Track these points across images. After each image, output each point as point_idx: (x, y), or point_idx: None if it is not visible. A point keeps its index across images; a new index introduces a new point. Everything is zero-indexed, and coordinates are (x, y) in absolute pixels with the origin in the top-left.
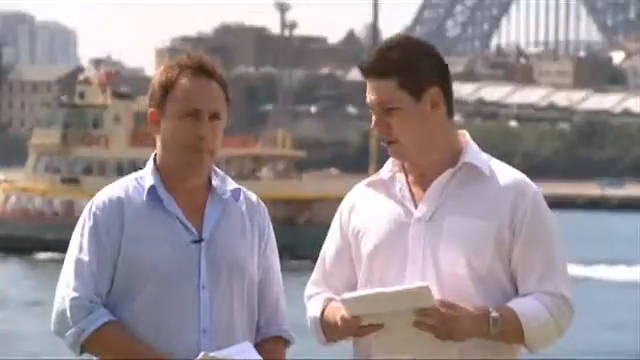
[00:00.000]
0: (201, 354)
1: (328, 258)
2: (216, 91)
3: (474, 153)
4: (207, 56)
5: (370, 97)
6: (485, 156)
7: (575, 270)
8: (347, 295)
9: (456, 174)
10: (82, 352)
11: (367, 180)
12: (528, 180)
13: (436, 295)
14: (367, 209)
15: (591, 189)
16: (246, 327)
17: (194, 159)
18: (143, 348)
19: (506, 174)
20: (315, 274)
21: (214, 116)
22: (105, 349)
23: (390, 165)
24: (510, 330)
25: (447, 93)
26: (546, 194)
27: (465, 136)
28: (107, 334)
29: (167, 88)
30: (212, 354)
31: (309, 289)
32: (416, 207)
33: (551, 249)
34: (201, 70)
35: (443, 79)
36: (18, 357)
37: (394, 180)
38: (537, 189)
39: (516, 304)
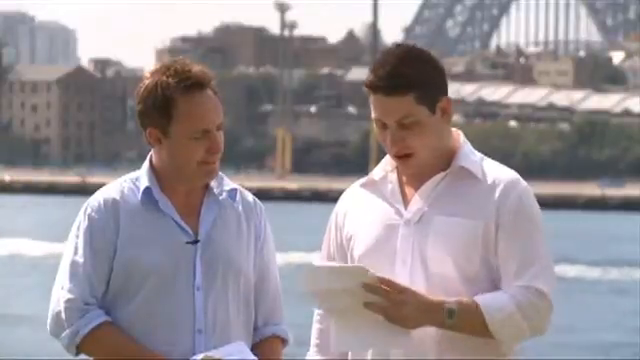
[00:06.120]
0: (201, 355)
1: None
2: (215, 101)
3: (467, 155)
4: (197, 66)
5: (383, 113)
6: (478, 156)
7: (575, 270)
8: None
9: (447, 176)
10: (78, 353)
11: (361, 181)
12: (517, 178)
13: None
14: (359, 211)
15: (591, 189)
16: (242, 327)
17: (208, 172)
18: (138, 348)
19: (496, 173)
20: None
21: (219, 127)
22: (100, 350)
23: (383, 164)
24: (471, 322)
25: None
26: (546, 194)
27: (460, 136)
28: (102, 335)
29: (168, 109)
30: (208, 354)
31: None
32: (406, 209)
33: (531, 244)
34: (198, 84)
35: (446, 86)
36: (15, 357)
37: (386, 180)
38: (526, 186)
39: (481, 297)
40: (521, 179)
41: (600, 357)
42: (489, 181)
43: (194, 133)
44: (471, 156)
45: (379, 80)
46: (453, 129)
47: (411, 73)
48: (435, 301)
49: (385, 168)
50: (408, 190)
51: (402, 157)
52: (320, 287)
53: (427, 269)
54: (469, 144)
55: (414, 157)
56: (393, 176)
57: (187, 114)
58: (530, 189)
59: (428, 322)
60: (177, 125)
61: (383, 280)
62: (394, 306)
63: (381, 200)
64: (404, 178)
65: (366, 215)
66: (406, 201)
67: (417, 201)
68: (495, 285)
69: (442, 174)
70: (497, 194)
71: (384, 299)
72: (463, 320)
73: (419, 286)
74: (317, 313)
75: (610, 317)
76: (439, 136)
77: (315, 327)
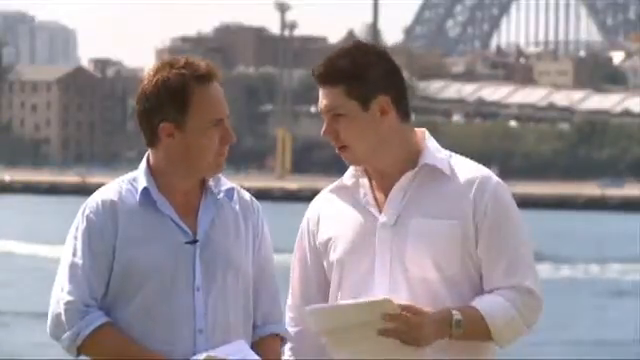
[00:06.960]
0: (203, 355)
1: (297, 279)
2: (222, 92)
3: (433, 153)
4: (203, 60)
5: (320, 103)
6: (445, 154)
7: (574, 270)
8: (312, 307)
9: (416, 176)
10: (79, 354)
11: (330, 187)
12: (489, 173)
13: (407, 300)
14: (334, 217)
15: (591, 189)
16: (242, 327)
17: (219, 165)
18: (139, 349)
19: (466, 170)
20: (290, 296)
21: (227, 117)
22: (101, 351)
23: (353, 170)
24: (475, 330)
25: (398, 99)
26: (546, 194)
27: (424, 135)
28: (103, 336)
29: (183, 100)
30: (210, 354)
31: (287, 314)
32: (380, 212)
33: (515, 242)
34: (209, 75)
35: (392, 86)
36: (16, 357)
37: (357, 186)
38: (498, 182)
39: (481, 303)
40: (493, 174)
41: (600, 357)
42: (461, 178)
43: (209, 122)
44: (437, 154)
45: (316, 69)
46: (418, 129)
47: (344, 66)
48: (443, 314)
49: (355, 174)
50: (379, 194)
51: (340, 150)
52: (333, 325)
53: (406, 271)
54: (434, 142)
55: (349, 151)
56: (364, 180)
57: (202, 103)
58: (502, 184)
59: (440, 336)
60: (193, 115)
61: (404, 307)
62: (412, 329)
63: (355, 205)
64: (375, 182)
65: (341, 220)
66: (379, 204)
67: (390, 204)
68: (473, 283)
69: (410, 174)
70: (470, 192)
71: (403, 325)
72: (469, 329)
73: (400, 289)
74: (289, 317)
75: (610, 317)
76: (376, 134)
77: (289, 329)
